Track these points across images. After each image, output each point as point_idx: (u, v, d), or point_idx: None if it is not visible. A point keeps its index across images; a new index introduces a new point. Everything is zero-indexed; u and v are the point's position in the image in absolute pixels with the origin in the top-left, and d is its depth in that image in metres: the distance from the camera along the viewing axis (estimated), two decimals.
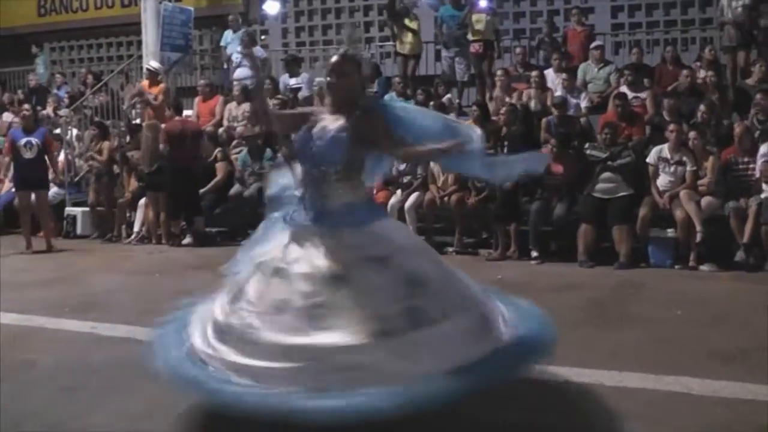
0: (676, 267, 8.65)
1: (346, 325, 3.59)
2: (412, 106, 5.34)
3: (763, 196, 8.62)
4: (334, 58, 4.00)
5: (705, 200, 8.81)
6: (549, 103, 10.86)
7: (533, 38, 14.05)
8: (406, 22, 13.04)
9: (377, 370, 3.51)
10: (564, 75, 11.52)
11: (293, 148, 4.10)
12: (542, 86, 11.39)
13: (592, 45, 12.29)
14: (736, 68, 11.72)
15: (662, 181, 9.02)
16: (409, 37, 13.04)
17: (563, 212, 9.20)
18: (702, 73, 11.18)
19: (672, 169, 8.98)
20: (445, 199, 9.86)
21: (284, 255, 3.89)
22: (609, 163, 9.07)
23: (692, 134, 9.20)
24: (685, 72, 11.08)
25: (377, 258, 3.81)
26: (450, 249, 9.69)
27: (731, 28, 11.72)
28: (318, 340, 3.56)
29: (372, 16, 16.92)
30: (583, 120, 10.82)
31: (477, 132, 4.18)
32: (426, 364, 3.57)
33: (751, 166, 8.90)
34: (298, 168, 4.12)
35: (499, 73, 11.80)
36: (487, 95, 12.01)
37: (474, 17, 12.65)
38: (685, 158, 8.96)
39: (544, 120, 10.39)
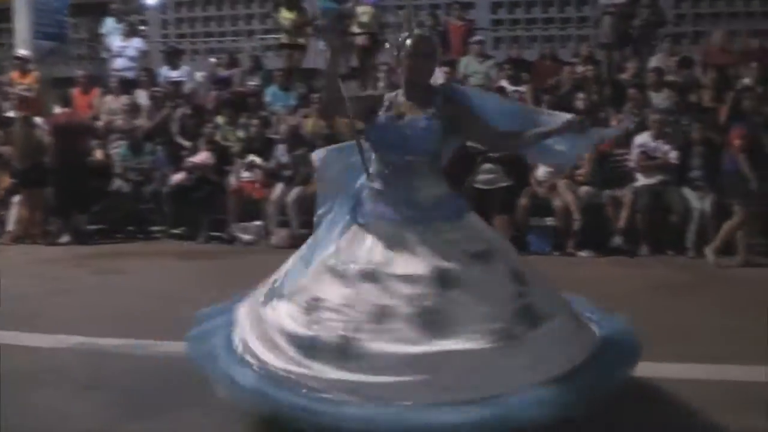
0: (556, 254, 8.93)
1: (464, 329, 3.28)
2: (488, 93, 4.95)
3: (637, 184, 8.98)
4: (417, 38, 3.68)
5: (582, 189, 9.09)
6: None
7: None
8: (283, 12, 12.90)
9: (503, 377, 3.23)
10: (445, 68, 11.64)
11: (373, 136, 3.73)
12: None
13: (473, 39, 12.48)
14: (611, 64, 12.13)
15: (541, 171, 9.23)
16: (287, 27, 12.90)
17: None
18: (580, 69, 11.52)
19: None
20: None
21: (370, 256, 3.51)
22: (489, 154, 9.23)
23: None
24: (567, 68, 11.39)
25: (478, 254, 3.54)
26: None
27: (607, 26, 12.13)
28: (437, 347, 3.23)
29: (254, 9, 16.71)
30: None
31: (562, 115, 3.87)
32: (547, 367, 3.32)
33: (627, 156, 9.25)
34: (376, 158, 3.75)
35: (383, 67, 11.83)
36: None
37: (360, 9, 12.66)
38: None
39: None
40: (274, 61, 13.89)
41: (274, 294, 3.70)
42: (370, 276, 3.44)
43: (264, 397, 3.35)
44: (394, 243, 3.52)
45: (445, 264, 3.44)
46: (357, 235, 3.63)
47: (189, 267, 8.74)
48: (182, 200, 10.24)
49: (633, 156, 9.18)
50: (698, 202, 8.74)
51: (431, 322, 3.29)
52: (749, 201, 8.18)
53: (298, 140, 10.32)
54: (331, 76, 3.75)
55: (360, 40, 12.68)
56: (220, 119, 11.22)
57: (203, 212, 10.24)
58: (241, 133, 10.99)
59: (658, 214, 8.85)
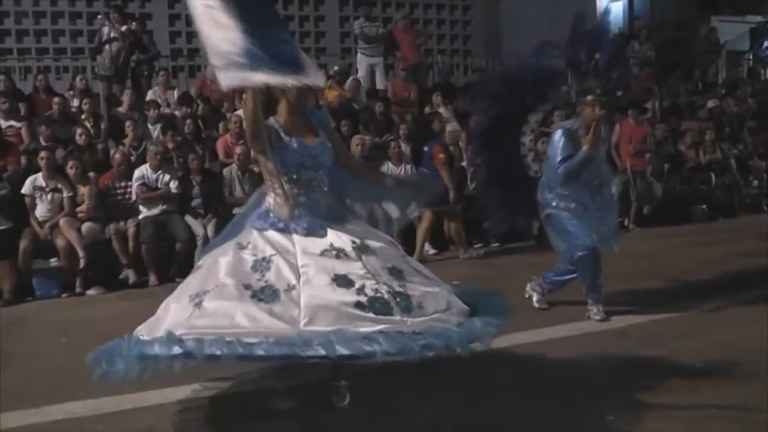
0: (64, 295, 8.64)
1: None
2: None
3: (140, 216, 9.11)
4: None
5: (86, 226, 8.94)
6: None
7: None
8: None
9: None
10: None
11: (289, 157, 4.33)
12: None
13: None
14: (110, 96, 12.10)
15: (41, 210, 8.86)
16: None
17: None
18: (76, 102, 11.36)
19: (49, 197, 8.87)
20: None
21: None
22: None
23: (69, 161, 9.26)
24: (56, 99, 11.12)
25: (359, 246, 4.25)
26: None
27: (106, 59, 12.10)
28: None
29: None
30: None
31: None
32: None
33: (129, 189, 9.34)
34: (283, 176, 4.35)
35: None
36: None
37: None
38: (60, 185, 8.94)
39: None
40: None
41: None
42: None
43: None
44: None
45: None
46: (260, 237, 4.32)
47: None
48: None
49: (134, 188, 9.26)
50: (200, 228, 9.12)
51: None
52: (446, 206, 9.51)
53: None
54: (256, 111, 4.20)
55: None
56: None
57: None
58: None
59: (163, 244, 9.04)
